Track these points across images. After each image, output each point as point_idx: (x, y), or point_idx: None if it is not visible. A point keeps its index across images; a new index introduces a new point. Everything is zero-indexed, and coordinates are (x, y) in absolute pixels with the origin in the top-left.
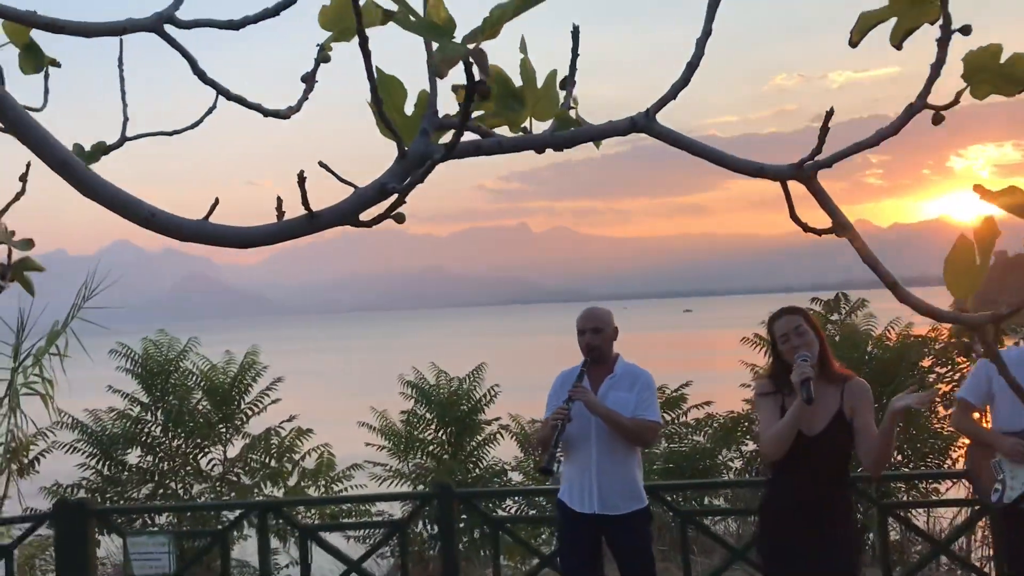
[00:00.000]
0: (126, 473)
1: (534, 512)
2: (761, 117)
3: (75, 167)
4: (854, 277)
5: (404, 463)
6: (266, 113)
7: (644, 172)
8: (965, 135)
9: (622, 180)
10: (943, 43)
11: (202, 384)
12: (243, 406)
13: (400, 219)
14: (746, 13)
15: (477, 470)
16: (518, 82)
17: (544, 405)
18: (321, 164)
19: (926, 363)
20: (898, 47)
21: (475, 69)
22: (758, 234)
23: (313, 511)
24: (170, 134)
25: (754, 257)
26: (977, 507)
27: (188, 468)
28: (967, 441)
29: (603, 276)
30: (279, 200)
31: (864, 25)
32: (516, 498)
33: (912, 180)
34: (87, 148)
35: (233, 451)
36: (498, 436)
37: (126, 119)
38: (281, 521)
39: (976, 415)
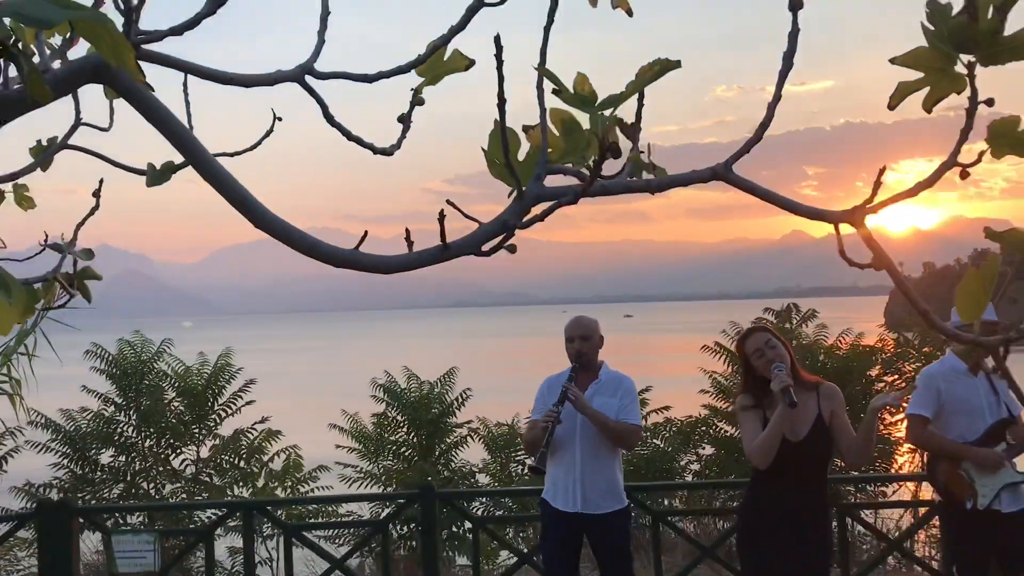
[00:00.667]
0: (99, 473)
1: (501, 513)
2: (701, 127)
3: (253, 205)
4: (787, 285)
5: (374, 465)
6: (376, 151)
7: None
8: (897, 151)
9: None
10: (971, 112)
11: (177, 385)
12: (216, 407)
13: (512, 250)
14: (687, 25)
15: (447, 472)
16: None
17: (521, 408)
18: (449, 202)
19: (874, 372)
20: (928, 111)
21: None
22: (696, 241)
23: (280, 512)
24: (232, 155)
25: (692, 264)
26: (927, 508)
27: (160, 468)
28: (909, 447)
29: (547, 280)
30: (407, 231)
31: (902, 92)
32: (483, 499)
33: (846, 192)
34: (158, 167)
35: (206, 452)
36: (467, 439)
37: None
38: (266, 521)
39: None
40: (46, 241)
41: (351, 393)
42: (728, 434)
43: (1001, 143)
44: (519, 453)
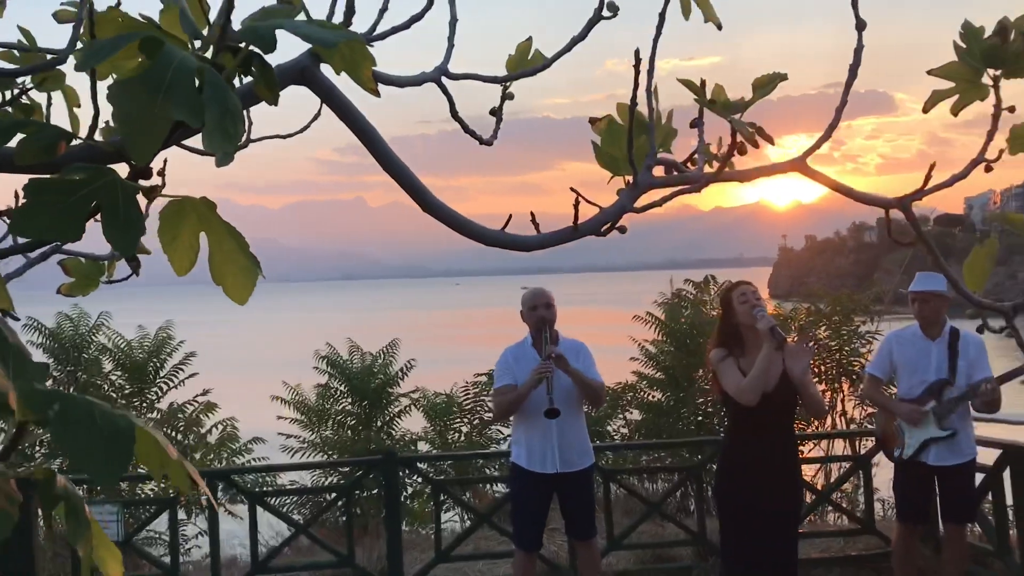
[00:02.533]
0: (38, 448)
1: (442, 478)
2: (593, 100)
3: (423, 191)
4: (676, 258)
5: (316, 435)
6: (481, 141)
7: (481, 149)
8: (780, 126)
9: (459, 157)
10: (995, 119)
11: (117, 358)
12: (157, 380)
13: (623, 230)
14: None
15: (389, 441)
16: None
17: (456, 378)
18: (572, 190)
19: (791, 340)
20: (955, 114)
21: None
22: (589, 214)
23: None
24: (284, 137)
25: (585, 237)
26: (854, 461)
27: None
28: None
29: (442, 253)
30: (532, 215)
31: (935, 99)
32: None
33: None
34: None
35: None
36: (409, 408)
37: (250, 122)
38: (233, 489)
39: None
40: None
41: (292, 365)
42: (656, 399)
43: (1019, 144)
44: (455, 421)
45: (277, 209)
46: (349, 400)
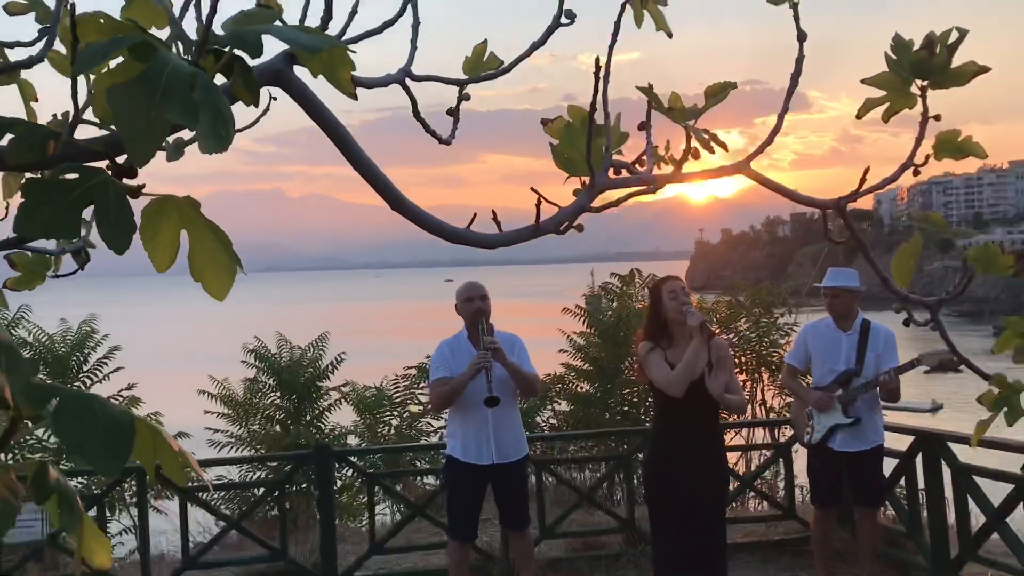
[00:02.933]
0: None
1: (372, 471)
2: (516, 93)
3: (392, 190)
4: (596, 251)
5: (244, 429)
6: (441, 140)
7: (404, 141)
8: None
9: (382, 147)
10: (922, 126)
11: (38, 352)
12: (80, 375)
13: (580, 229)
14: None
15: (320, 435)
16: None
17: (386, 371)
18: (533, 189)
19: (715, 331)
20: (885, 120)
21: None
22: (512, 207)
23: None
24: (241, 130)
25: (508, 229)
26: (774, 449)
27: (22, 439)
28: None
29: (363, 245)
30: (494, 213)
31: (868, 107)
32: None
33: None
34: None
35: None
36: (338, 403)
37: None
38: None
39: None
40: None
41: (218, 359)
42: (584, 390)
43: (943, 148)
44: (385, 414)
45: (199, 198)
46: (278, 394)
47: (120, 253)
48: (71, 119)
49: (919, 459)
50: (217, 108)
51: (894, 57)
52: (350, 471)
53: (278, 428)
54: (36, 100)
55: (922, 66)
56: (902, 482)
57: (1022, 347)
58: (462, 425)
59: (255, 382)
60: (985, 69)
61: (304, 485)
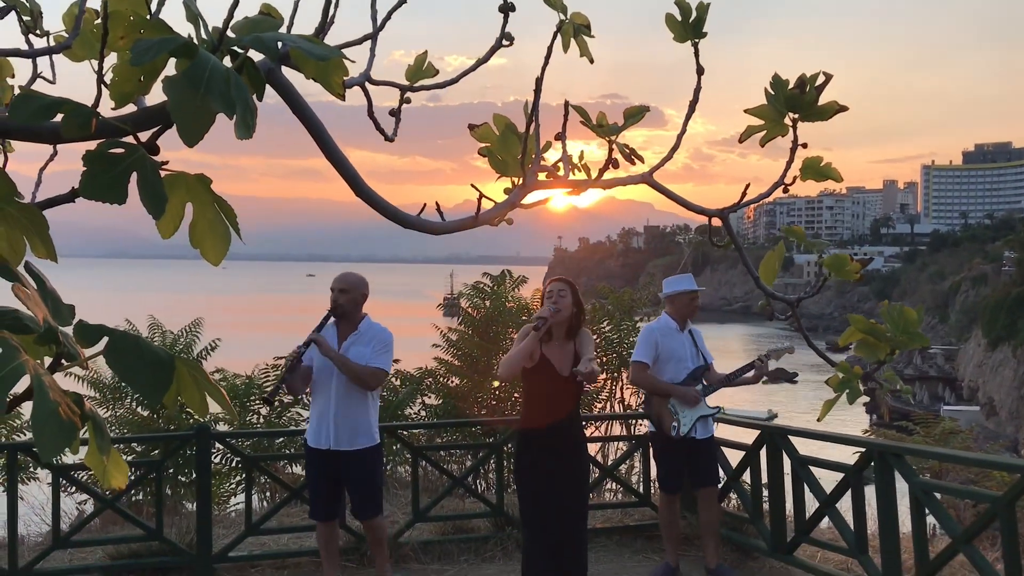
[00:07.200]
0: None
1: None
2: (381, 90)
3: (359, 181)
4: (458, 252)
5: (111, 413)
6: (387, 138)
7: (262, 130)
8: (557, 129)
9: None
10: (792, 151)
11: None
12: None
13: (510, 222)
14: None
15: (191, 420)
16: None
17: (258, 360)
18: (473, 186)
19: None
20: (762, 145)
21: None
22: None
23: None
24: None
25: (368, 227)
26: (634, 440)
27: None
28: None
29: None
30: (437, 204)
31: (748, 133)
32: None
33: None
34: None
35: None
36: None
37: None
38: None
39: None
40: None
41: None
42: (455, 384)
43: (808, 171)
44: (255, 403)
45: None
46: None
47: (157, 218)
48: (95, 100)
49: (763, 451)
50: (246, 101)
51: (772, 92)
52: (218, 458)
53: (145, 413)
54: (12, 75)
55: (795, 101)
56: (747, 474)
57: (862, 341)
58: (313, 409)
59: None
60: (844, 108)
61: (171, 471)
